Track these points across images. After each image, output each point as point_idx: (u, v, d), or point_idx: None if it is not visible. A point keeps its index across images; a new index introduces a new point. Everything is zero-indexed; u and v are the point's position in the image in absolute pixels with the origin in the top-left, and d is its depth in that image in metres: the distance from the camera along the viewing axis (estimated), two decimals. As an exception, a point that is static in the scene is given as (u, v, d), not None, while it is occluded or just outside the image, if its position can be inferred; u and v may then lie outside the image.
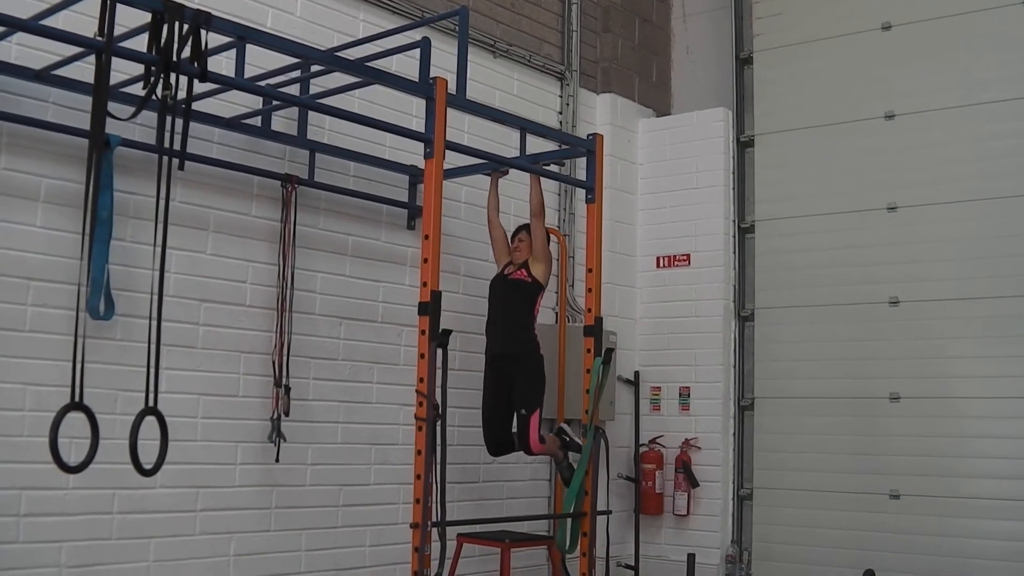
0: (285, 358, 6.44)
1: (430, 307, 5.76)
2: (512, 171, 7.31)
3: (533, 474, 8.30)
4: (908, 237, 8.20)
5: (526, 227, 7.17)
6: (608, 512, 7.27)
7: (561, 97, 8.92)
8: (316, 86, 6.58)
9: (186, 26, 4.64)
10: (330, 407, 6.87)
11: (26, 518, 5.38)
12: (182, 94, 4.62)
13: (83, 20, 5.15)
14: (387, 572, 7.04)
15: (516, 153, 7.16)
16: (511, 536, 7.10)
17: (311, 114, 6.65)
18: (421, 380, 5.76)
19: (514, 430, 6.92)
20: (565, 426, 7.32)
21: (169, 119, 4.49)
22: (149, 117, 4.81)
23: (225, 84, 5.58)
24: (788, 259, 8.81)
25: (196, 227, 6.22)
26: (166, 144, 4.46)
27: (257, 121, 6.44)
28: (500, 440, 7.01)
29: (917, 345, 8.08)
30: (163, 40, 4.58)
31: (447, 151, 5.98)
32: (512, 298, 7.04)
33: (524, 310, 7.01)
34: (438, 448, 5.82)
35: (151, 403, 4.25)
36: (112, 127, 4.93)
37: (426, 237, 5.82)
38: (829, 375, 8.45)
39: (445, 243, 6.19)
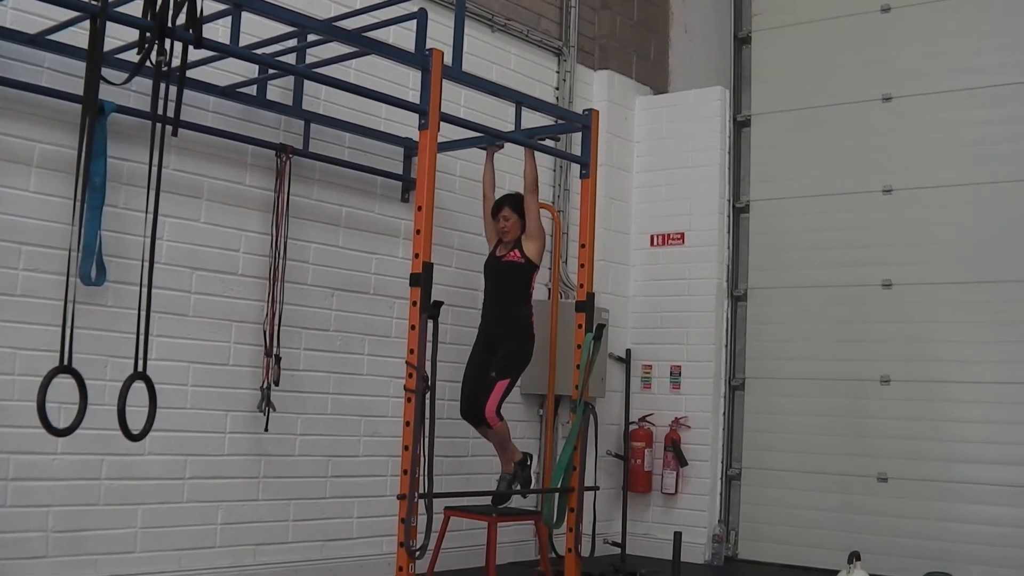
0: (276, 328, 6.44)
1: (422, 278, 5.74)
2: (508, 146, 7.29)
3: (521, 448, 8.29)
4: (902, 220, 8.21)
5: (509, 201, 7.08)
6: (596, 488, 7.29)
7: (558, 73, 8.89)
8: (312, 56, 6.56)
9: (182, -9, 4.62)
10: (320, 378, 6.88)
11: (14, 482, 5.39)
12: (177, 61, 4.61)
13: (78, -16, 5.12)
14: (374, 543, 7.08)
15: (512, 128, 7.14)
16: (498, 510, 7.11)
17: (307, 84, 6.63)
18: (411, 351, 5.75)
19: None
20: (531, 458, 7.21)
21: (163, 86, 4.47)
22: (144, 84, 4.78)
23: (220, 51, 5.56)
24: (782, 240, 8.81)
25: (189, 195, 6.22)
26: (160, 111, 4.44)
27: (252, 90, 6.41)
28: (470, 407, 6.91)
29: (909, 328, 8.10)
30: (158, 5, 4.56)
31: (442, 123, 5.94)
32: (506, 281, 7.00)
33: (519, 292, 6.98)
34: (426, 420, 5.82)
35: (140, 368, 4.24)
36: (106, 93, 4.90)
37: (419, 208, 5.79)
38: (820, 357, 8.47)
39: (438, 216, 6.17)
